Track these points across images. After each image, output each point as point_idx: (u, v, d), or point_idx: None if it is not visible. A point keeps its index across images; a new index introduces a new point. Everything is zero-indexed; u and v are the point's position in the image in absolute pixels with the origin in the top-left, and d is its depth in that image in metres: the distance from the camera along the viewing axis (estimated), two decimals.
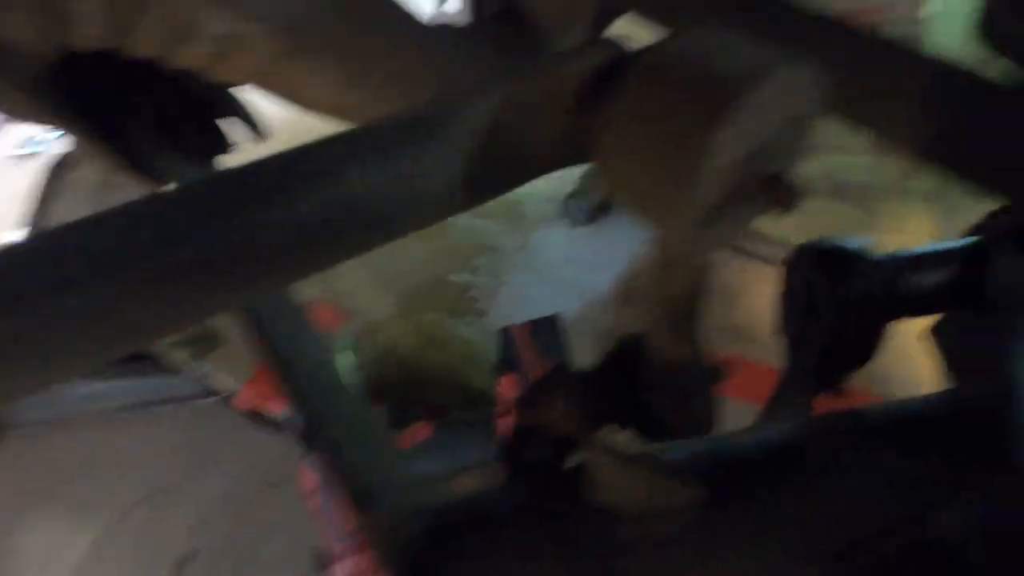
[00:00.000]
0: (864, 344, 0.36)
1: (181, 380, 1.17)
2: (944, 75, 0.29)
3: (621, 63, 0.20)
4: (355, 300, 1.21)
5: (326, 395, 0.40)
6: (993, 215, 0.36)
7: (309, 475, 0.85)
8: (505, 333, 0.99)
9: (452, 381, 1.00)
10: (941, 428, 0.31)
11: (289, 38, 0.31)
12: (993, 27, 0.30)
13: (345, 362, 0.91)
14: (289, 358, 0.40)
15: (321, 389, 0.41)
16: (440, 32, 0.39)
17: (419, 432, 0.88)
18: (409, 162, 0.18)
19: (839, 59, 0.31)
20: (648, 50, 0.18)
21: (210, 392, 1.11)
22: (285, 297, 0.51)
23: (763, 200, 0.16)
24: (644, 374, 0.30)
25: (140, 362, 1.13)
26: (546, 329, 0.95)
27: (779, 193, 0.16)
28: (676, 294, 0.23)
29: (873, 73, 0.33)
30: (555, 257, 1.26)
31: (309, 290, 1.28)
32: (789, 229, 0.87)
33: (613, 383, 0.31)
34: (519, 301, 1.19)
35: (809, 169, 1.39)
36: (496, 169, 0.20)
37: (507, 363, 0.93)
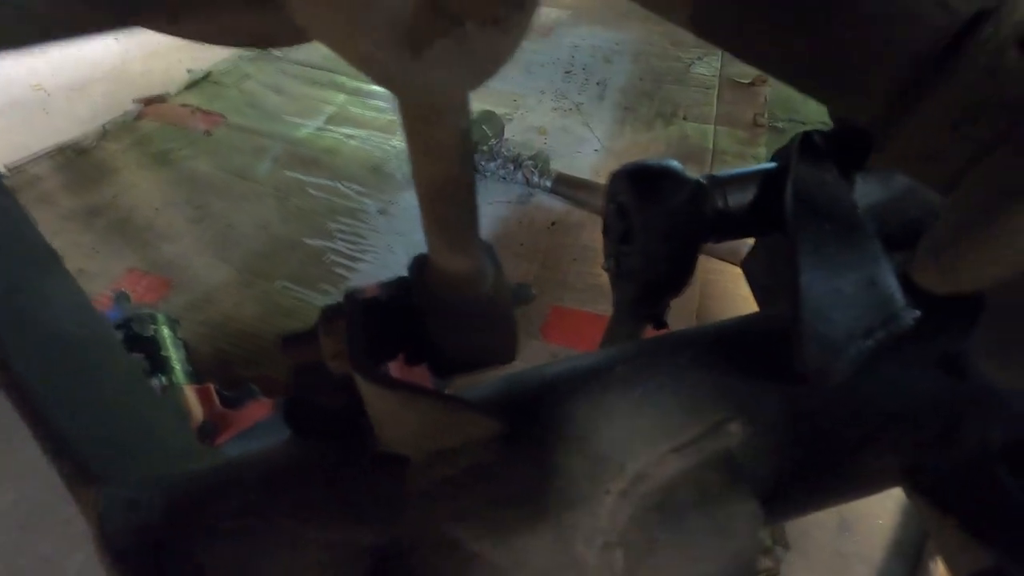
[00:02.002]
0: (677, 266, 0.35)
1: None
2: None
3: None
4: (183, 268, 1.06)
5: (43, 358, 0.31)
6: (793, 139, 0.37)
7: None
8: (352, 296, 0.92)
9: None
10: (737, 346, 0.30)
11: None
12: None
13: (163, 336, 0.79)
14: None
15: (37, 352, 0.31)
16: None
17: (256, 411, 0.79)
18: None
19: None
20: None
21: None
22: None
23: (473, 8, 0.12)
24: (427, 296, 0.26)
25: None
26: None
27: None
28: (433, 174, 0.19)
29: None
30: (419, 220, 1.20)
31: (124, 259, 1.10)
32: None
33: (395, 310, 0.27)
34: (381, 266, 1.12)
35: (665, 133, 1.45)
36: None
37: None
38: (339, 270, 1.09)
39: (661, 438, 0.27)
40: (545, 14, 1.97)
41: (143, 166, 1.31)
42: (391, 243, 1.15)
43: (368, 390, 0.24)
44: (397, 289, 0.27)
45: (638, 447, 0.27)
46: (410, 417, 0.25)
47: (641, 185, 0.33)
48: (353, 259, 1.12)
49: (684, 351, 0.30)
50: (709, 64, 1.68)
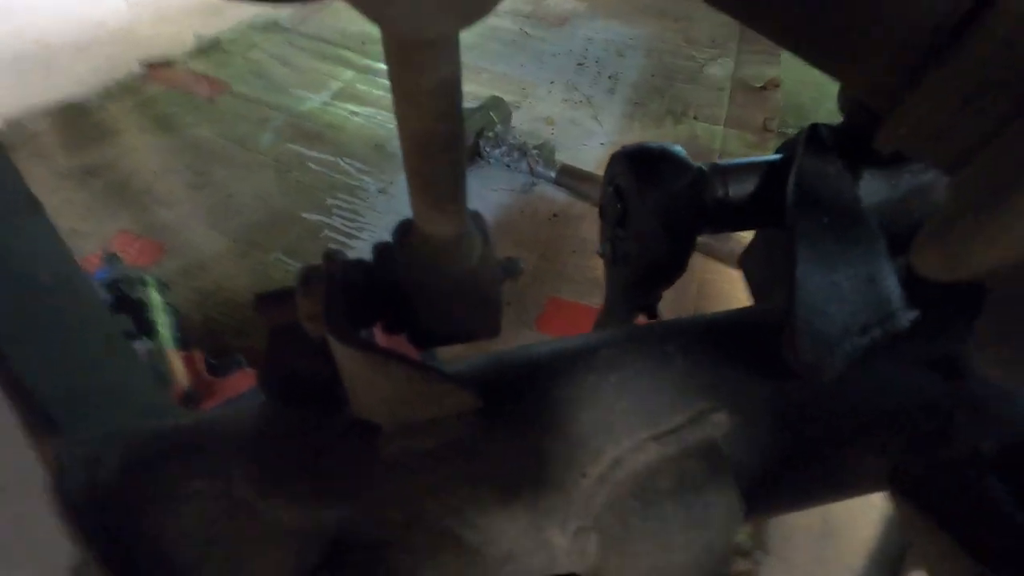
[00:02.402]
0: (673, 253, 0.34)
1: None
2: None
3: None
4: (178, 234, 1.05)
5: (14, 305, 0.30)
6: (800, 132, 0.36)
7: None
8: None
9: None
10: (728, 337, 0.30)
11: None
12: None
13: (152, 299, 0.78)
14: None
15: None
16: None
17: (242, 381, 0.78)
18: None
19: None
20: None
21: None
22: None
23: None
24: (409, 261, 0.25)
25: None
26: None
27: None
28: (416, 126, 0.18)
29: None
30: None
31: (118, 220, 1.09)
32: None
33: (376, 274, 0.26)
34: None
35: (674, 131, 1.44)
36: None
37: None
38: (335, 246, 1.08)
39: (642, 424, 0.26)
40: (560, 5, 1.95)
41: (144, 129, 1.29)
42: (389, 223, 1.14)
43: (342, 353, 0.24)
44: (379, 253, 0.26)
45: (618, 432, 0.26)
46: (383, 384, 0.24)
47: (640, 167, 0.32)
48: (350, 236, 1.11)
49: (673, 339, 0.29)
50: (723, 65, 1.66)
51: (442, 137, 0.18)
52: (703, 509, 0.24)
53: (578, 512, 0.25)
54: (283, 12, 1.72)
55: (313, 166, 1.24)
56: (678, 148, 0.34)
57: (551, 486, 0.25)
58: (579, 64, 1.68)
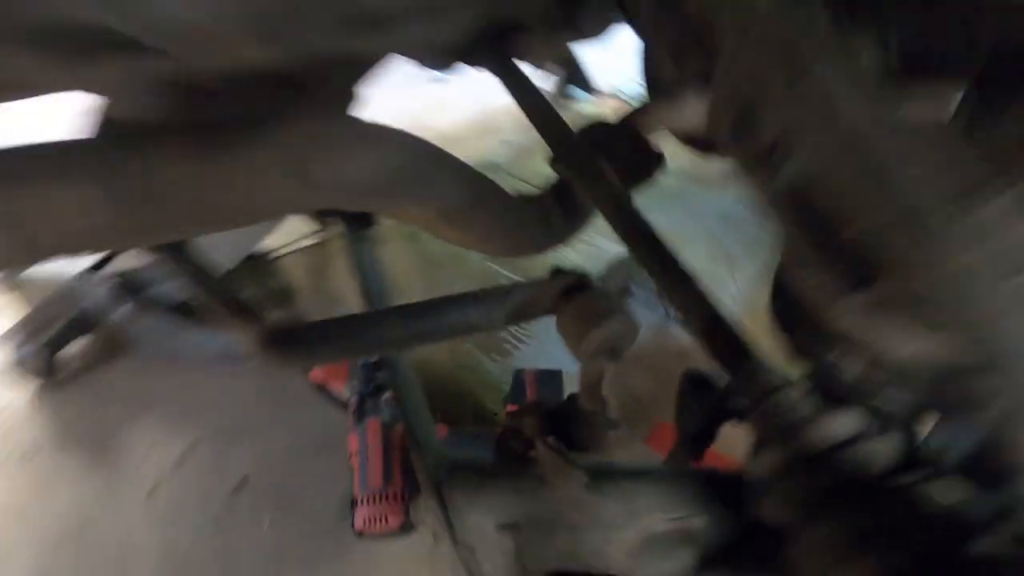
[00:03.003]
0: (710, 432, 0.64)
1: None
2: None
3: (575, 287, 0.52)
4: None
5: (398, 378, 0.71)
6: None
7: (354, 440, 1.15)
8: (518, 374, 1.29)
9: (470, 400, 1.30)
10: (717, 481, 0.59)
11: (442, 214, 0.62)
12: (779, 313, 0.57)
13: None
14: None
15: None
16: (518, 204, 0.71)
17: (438, 431, 1.18)
18: (485, 312, 0.51)
19: None
20: (582, 290, 0.51)
21: None
22: None
23: (608, 358, 0.46)
24: (573, 415, 0.59)
25: None
26: (550, 378, 1.24)
27: (615, 355, 0.46)
28: (590, 383, 0.52)
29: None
30: None
31: None
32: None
33: (558, 416, 0.61)
34: (538, 352, 1.49)
35: None
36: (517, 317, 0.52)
37: (515, 397, 1.22)
38: (507, 345, 1.49)
39: (661, 513, 0.56)
40: (716, 166, 2.28)
41: (393, 240, 1.87)
42: (549, 337, 1.52)
43: (540, 448, 0.59)
44: (560, 407, 0.61)
45: (650, 514, 0.57)
46: (555, 462, 0.58)
47: (690, 386, 0.64)
48: (518, 339, 1.50)
49: (690, 480, 0.59)
50: None
51: (598, 385, 0.53)
52: (681, 560, 0.54)
53: (629, 544, 0.56)
54: (501, 154, 2.29)
55: (501, 280, 1.69)
56: (713, 374, 0.65)
57: (616, 530, 0.57)
58: (725, 220, 1.97)
